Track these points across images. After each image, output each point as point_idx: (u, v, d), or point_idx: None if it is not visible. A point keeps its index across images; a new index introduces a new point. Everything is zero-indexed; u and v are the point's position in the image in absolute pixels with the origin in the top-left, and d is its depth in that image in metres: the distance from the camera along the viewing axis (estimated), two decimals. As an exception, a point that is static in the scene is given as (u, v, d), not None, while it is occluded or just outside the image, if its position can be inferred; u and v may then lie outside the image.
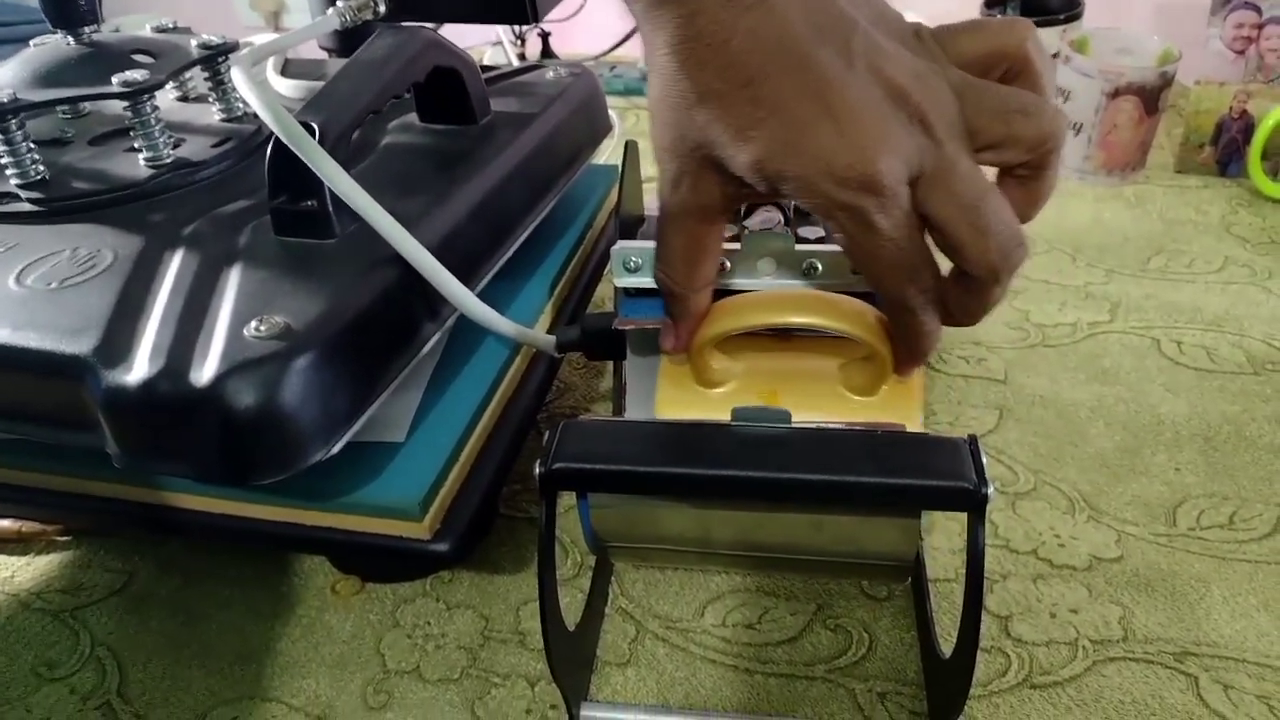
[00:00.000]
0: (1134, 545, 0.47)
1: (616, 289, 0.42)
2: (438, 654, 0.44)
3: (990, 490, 0.33)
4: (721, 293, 0.40)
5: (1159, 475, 0.51)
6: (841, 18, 0.31)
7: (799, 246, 0.40)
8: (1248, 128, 0.73)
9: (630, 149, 0.50)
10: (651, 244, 0.41)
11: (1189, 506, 0.49)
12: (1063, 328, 0.62)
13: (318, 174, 0.38)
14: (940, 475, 0.33)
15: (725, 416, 0.37)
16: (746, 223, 0.47)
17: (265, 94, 0.39)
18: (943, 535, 0.48)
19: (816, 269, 0.41)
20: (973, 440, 0.34)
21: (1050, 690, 0.41)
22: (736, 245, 0.41)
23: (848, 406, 0.39)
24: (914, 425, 0.38)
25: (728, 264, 0.41)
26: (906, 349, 0.36)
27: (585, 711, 0.41)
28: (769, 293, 0.39)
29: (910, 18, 0.81)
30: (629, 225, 0.50)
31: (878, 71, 0.31)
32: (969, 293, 0.34)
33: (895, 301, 0.34)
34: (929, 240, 0.33)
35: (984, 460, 0.34)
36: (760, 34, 0.30)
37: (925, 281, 0.33)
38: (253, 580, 0.48)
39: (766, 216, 0.48)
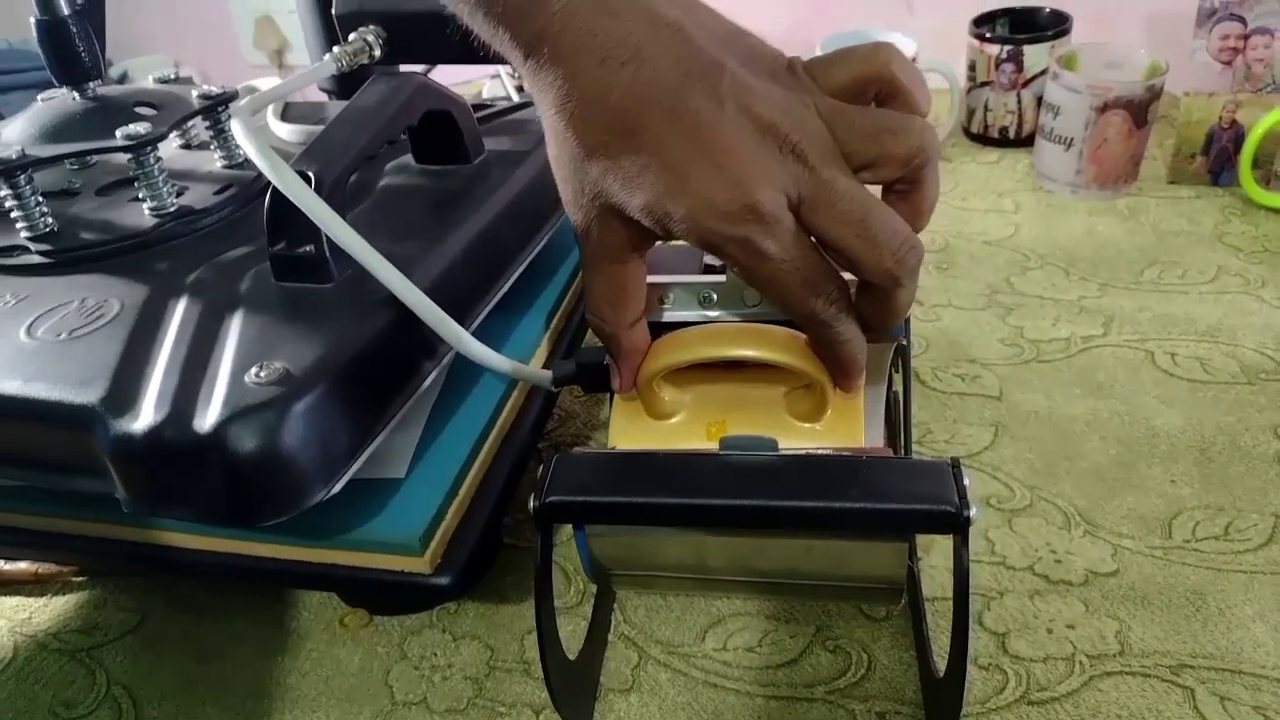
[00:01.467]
0: (1130, 559, 0.47)
1: None
2: (444, 685, 0.45)
3: (973, 512, 0.34)
4: (668, 327, 0.41)
5: (1154, 488, 0.51)
6: (711, 63, 0.33)
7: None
8: (1238, 137, 0.74)
9: None
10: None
11: (1184, 518, 0.49)
12: (1057, 343, 0.62)
13: (313, 220, 0.40)
14: (923, 499, 0.34)
15: (675, 446, 0.39)
16: (718, 264, 0.48)
17: (261, 144, 0.40)
18: (941, 554, 0.48)
19: (756, 298, 0.42)
20: (955, 463, 0.35)
21: (1048, 706, 0.41)
22: (721, 277, 0.42)
23: (794, 432, 0.40)
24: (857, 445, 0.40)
25: (669, 298, 0.42)
26: (833, 362, 0.38)
27: (589, 739, 0.41)
28: (708, 328, 0.40)
29: (899, 37, 0.82)
30: None
31: (747, 109, 0.33)
32: (876, 300, 0.36)
33: (806, 318, 0.36)
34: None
35: (966, 482, 0.34)
36: (635, 88, 0.33)
37: (830, 293, 0.35)
38: (263, 617, 0.49)
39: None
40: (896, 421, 0.50)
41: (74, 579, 0.52)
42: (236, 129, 0.42)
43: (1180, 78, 0.75)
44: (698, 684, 0.44)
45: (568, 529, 0.50)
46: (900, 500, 0.34)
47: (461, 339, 0.43)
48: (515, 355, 0.49)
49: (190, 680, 0.46)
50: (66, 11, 0.50)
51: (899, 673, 0.43)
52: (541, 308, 0.54)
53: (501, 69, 0.93)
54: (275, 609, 0.49)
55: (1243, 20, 0.71)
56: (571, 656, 0.41)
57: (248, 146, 0.41)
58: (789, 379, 0.40)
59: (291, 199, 0.39)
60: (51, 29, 0.50)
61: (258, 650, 0.47)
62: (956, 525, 0.34)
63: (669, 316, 0.44)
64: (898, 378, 0.49)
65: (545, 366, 0.50)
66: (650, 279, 0.43)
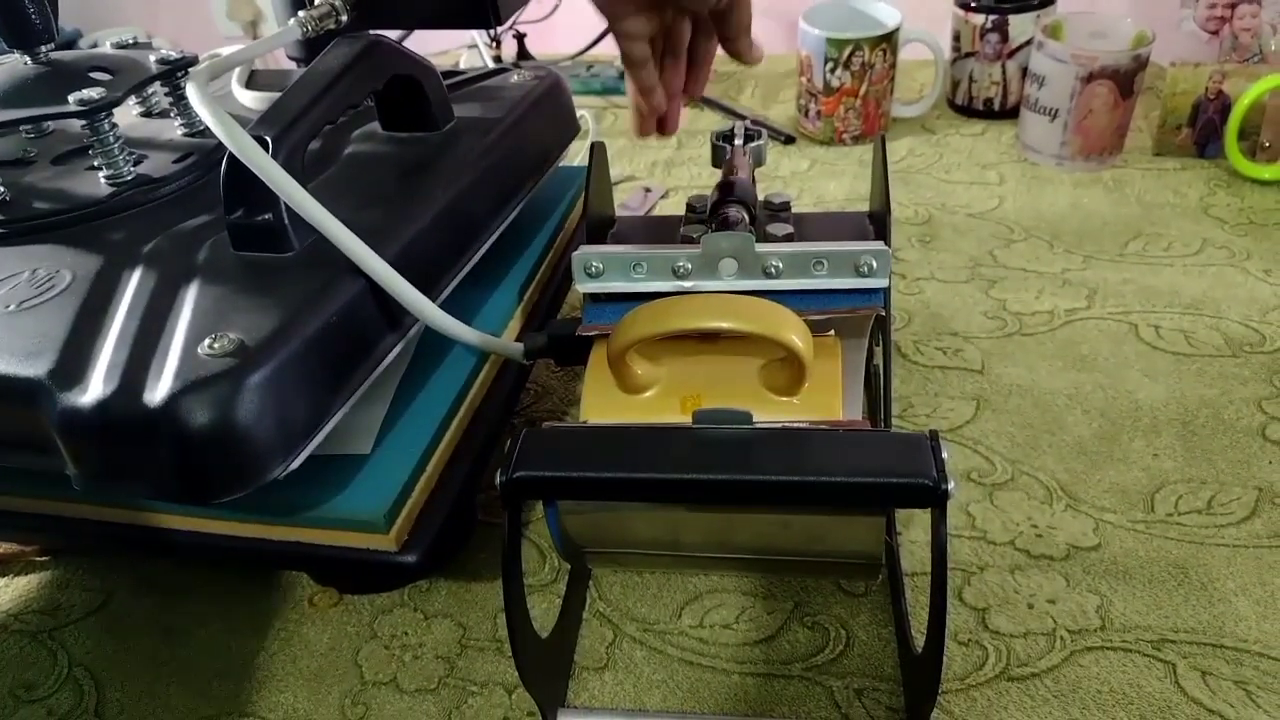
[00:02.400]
0: (1112, 533, 0.47)
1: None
2: (415, 664, 0.44)
3: (951, 486, 0.33)
4: (642, 298, 0.40)
5: (1137, 461, 0.50)
6: None
7: (759, 247, 0.40)
8: (1224, 108, 0.73)
9: (597, 150, 0.50)
10: (613, 248, 0.41)
11: (1167, 492, 0.48)
12: (1040, 315, 0.61)
13: (269, 186, 0.38)
14: (901, 472, 0.33)
15: (649, 420, 0.38)
16: (712, 222, 0.47)
17: (215, 107, 0.39)
18: (921, 529, 0.47)
19: (778, 269, 0.41)
20: (934, 436, 0.34)
21: (1028, 682, 0.41)
22: (696, 248, 0.41)
23: (771, 406, 0.39)
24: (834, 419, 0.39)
25: (642, 268, 0.41)
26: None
27: (562, 718, 0.41)
28: (682, 299, 0.39)
29: (883, 7, 0.81)
30: (597, 226, 0.50)
31: None
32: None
33: None
34: None
35: (945, 456, 0.33)
36: None
37: None
38: (230, 596, 0.47)
39: (732, 216, 0.48)
40: (877, 395, 0.49)
41: (36, 559, 0.50)
42: (192, 92, 0.41)
43: (1167, 48, 0.74)
44: (674, 661, 0.43)
45: (541, 506, 0.49)
46: (877, 474, 0.33)
47: (427, 310, 0.42)
48: (487, 328, 0.48)
49: (155, 661, 0.45)
50: (16, -28, 0.48)
51: (877, 649, 0.42)
52: (514, 280, 0.53)
53: (478, 36, 0.91)
54: (243, 588, 0.48)
55: (1230, -12, 0.70)
56: (545, 634, 0.40)
57: (201, 109, 0.39)
58: (765, 351, 0.39)
59: (247, 164, 0.38)
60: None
61: (225, 630, 0.46)
62: (934, 499, 0.33)
63: (642, 287, 0.42)
64: (878, 350, 0.48)
65: (518, 340, 0.49)
66: (623, 249, 0.42)
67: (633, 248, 0.42)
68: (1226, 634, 0.42)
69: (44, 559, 0.51)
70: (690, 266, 0.41)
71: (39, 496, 0.44)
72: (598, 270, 0.42)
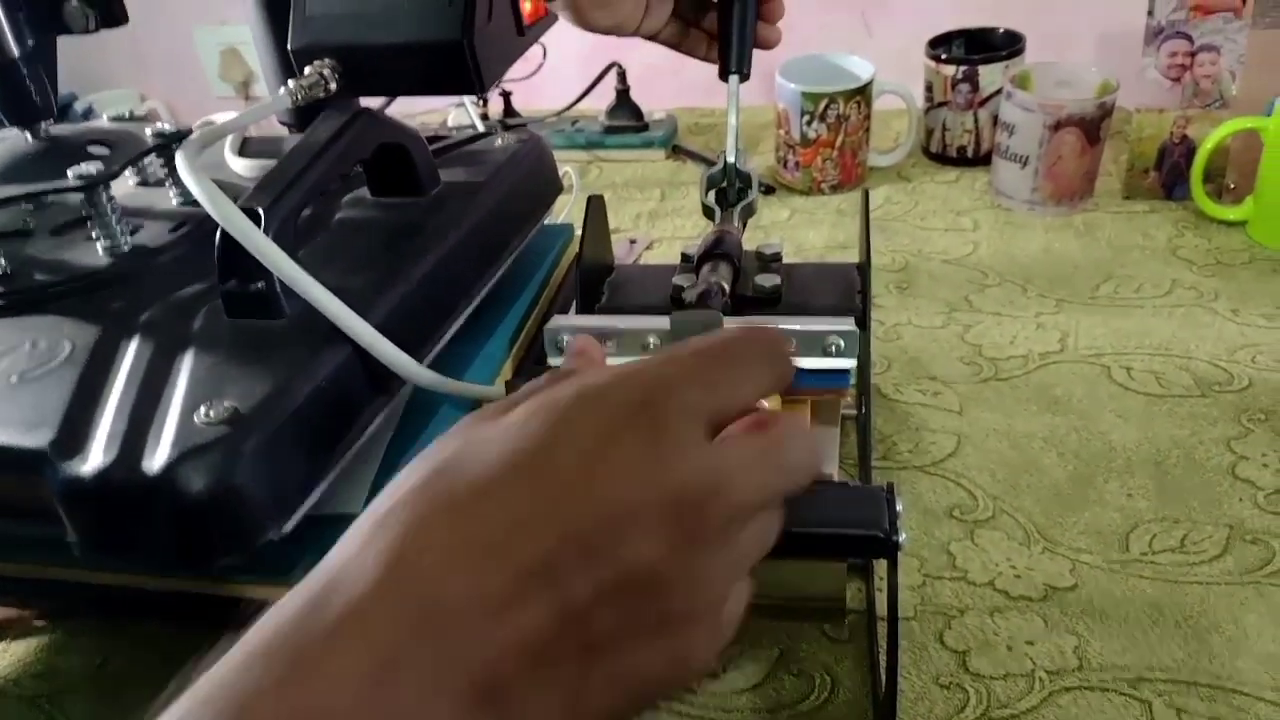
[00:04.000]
0: (1088, 574, 0.48)
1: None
2: (408, 720, 0.44)
3: (902, 538, 0.34)
4: None
5: (1111, 502, 0.52)
6: None
7: (728, 325, 0.42)
8: (1189, 152, 0.75)
9: (594, 202, 0.51)
10: (584, 320, 0.42)
11: (1141, 532, 0.50)
12: (1014, 360, 0.63)
13: (254, 255, 0.40)
14: (855, 524, 0.35)
15: None
16: (686, 285, 0.48)
17: (203, 180, 0.41)
18: (901, 572, 0.48)
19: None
20: (890, 488, 0.36)
21: (1008, 724, 0.41)
22: (665, 324, 0.42)
23: None
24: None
25: (611, 345, 0.42)
26: None
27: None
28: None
29: (856, 60, 0.83)
30: (592, 275, 0.52)
31: None
32: None
33: None
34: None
35: (899, 508, 0.35)
36: None
37: None
38: (224, 655, 0.48)
39: (715, 266, 0.49)
40: (861, 438, 0.50)
41: (34, 623, 0.51)
42: (181, 165, 0.42)
43: (1131, 94, 0.76)
44: (660, 711, 0.44)
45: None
46: (831, 524, 0.35)
47: (413, 370, 0.43)
48: (479, 379, 0.49)
49: (151, 723, 0.46)
50: (17, 53, 0.50)
51: (862, 695, 0.43)
52: (504, 332, 0.54)
53: (465, 98, 0.94)
54: (237, 648, 0.48)
55: (1189, 38, 0.73)
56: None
57: (190, 182, 0.41)
58: None
59: (233, 234, 0.40)
60: (2, 71, 0.50)
61: (219, 690, 0.46)
62: (885, 550, 0.35)
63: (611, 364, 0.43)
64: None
65: (506, 386, 0.50)
66: (595, 322, 0.43)
67: (605, 319, 0.44)
68: (1201, 671, 0.43)
69: (41, 623, 0.51)
70: (660, 343, 0.43)
71: (38, 562, 0.44)
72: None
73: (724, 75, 0.51)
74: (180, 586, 0.43)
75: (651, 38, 0.54)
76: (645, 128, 0.96)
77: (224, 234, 0.41)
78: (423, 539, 0.25)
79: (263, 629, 0.24)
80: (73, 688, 0.47)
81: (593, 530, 0.25)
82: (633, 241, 0.81)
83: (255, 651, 0.24)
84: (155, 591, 0.43)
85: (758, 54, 0.53)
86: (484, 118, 0.97)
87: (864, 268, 0.51)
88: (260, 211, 0.41)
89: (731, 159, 0.53)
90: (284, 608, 0.25)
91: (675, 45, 0.55)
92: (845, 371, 0.43)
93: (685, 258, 0.51)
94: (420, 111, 1.04)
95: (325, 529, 0.41)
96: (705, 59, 0.55)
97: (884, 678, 0.40)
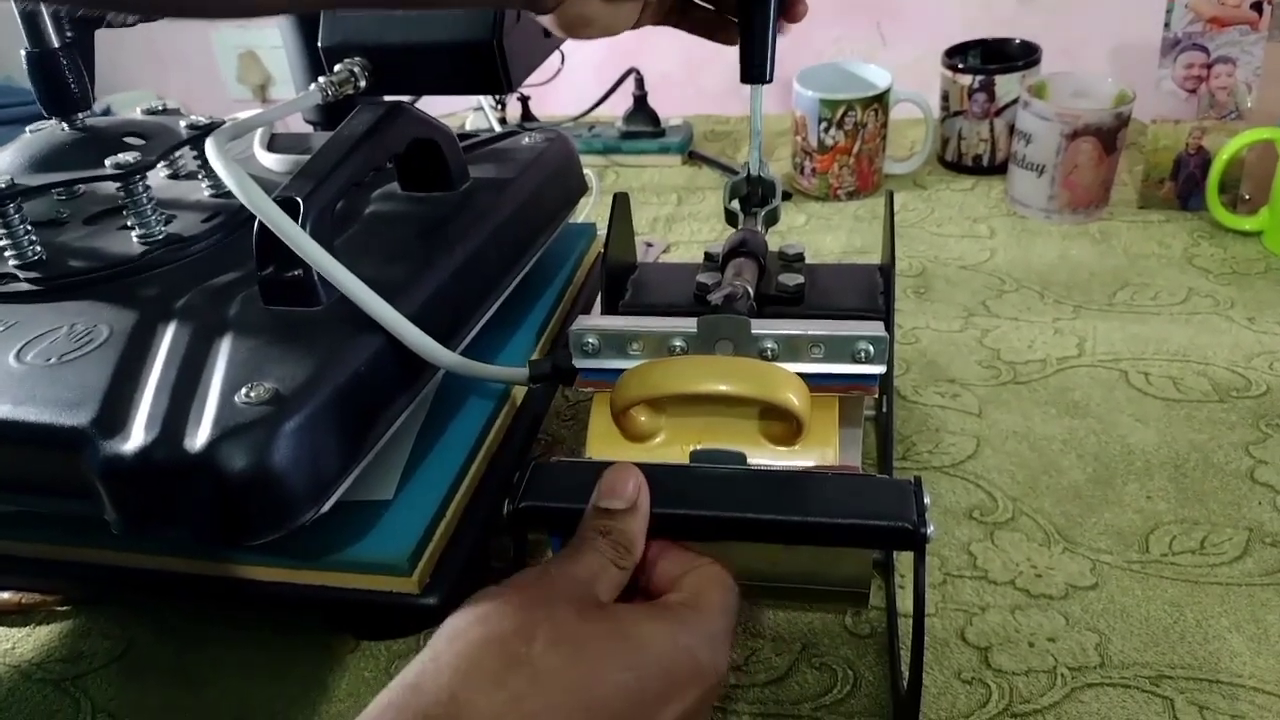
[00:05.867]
0: (1109, 573, 0.48)
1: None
2: (432, 707, 0.45)
3: (930, 530, 0.35)
4: None
5: (1131, 504, 0.52)
6: None
7: (755, 329, 0.42)
8: (1205, 162, 0.76)
9: (620, 200, 0.52)
10: (610, 322, 0.42)
11: (1161, 533, 0.50)
12: (1033, 364, 0.63)
13: (286, 243, 0.40)
14: (883, 516, 0.35)
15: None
16: (712, 287, 0.49)
17: (235, 168, 0.41)
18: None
19: (774, 352, 0.42)
20: (917, 482, 0.36)
21: (1030, 718, 0.42)
22: (691, 325, 0.42)
23: (770, 452, 0.41)
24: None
25: (637, 345, 0.42)
26: None
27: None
28: (684, 360, 0.41)
29: (873, 69, 0.84)
30: (617, 272, 0.52)
31: None
32: None
33: None
34: None
35: (927, 501, 0.36)
36: None
37: None
38: (249, 643, 0.48)
39: (740, 264, 0.49)
40: (883, 437, 0.51)
41: (58, 608, 0.51)
42: (211, 155, 0.43)
43: (1147, 105, 0.77)
44: (685, 702, 0.44)
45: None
46: (860, 516, 0.36)
47: (443, 357, 0.44)
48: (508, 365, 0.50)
49: (176, 707, 0.46)
50: (56, 44, 0.51)
51: (884, 689, 0.44)
52: (532, 323, 0.55)
53: (484, 99, 0.95)
54: (262, 635, 0.49)
55: (1205, 50, 0.73)
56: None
57: (224, 175, 0.42)
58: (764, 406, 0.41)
59: (264, 220, 0.40)
60: (41, 60, 0.51)
61: (244, 677, 0.47)
62: (913, 542, 0.35)
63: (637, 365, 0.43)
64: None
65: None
66: (620, 324, 0.43)
67: (631, 322, 0.43)
68: (1222, 670, 0.43)
69: (65, 608, 0.52)
70: (686, 346, 0.42)
71: (63, 544, 0.45)
72: (593, 348, 0.43)
73: (746, 80, 0.50)
74: (205, 570, 0.43)
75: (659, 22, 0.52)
76: (662, 133, 0.97)
77: (262, 223, 0.41)
78: None
79: None
80: (96, 671, 0.48)
81: None
82: (649, 245, 0.82)
83: None
84: (181, 575, 0.43)
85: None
86: (502, 121, 0.97)
87: (888, 269, 0.51)
88: (299, 200, 0.41)
89: (755, 168, 0.53)
90: None
91: (684, 28, 0.52)
92: (874, 375, 0.43)
93: (709, 256, 0.52)
94: (440, 114, 1.05)
95: (357, 514, 0.42)
96: (715, 39, 0.52)
97: (907, 671, 0.40)
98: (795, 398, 0.39)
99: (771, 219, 0.54)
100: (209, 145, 0.44)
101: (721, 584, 0.37)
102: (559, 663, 0.30)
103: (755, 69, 0.48)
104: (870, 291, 0.51)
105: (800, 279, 0.50)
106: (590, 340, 0.43)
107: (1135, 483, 0.53)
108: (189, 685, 0.47)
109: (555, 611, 0.32)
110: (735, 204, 0.54)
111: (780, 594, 0.46)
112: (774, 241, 0.54)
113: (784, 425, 0.40)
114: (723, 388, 0.39)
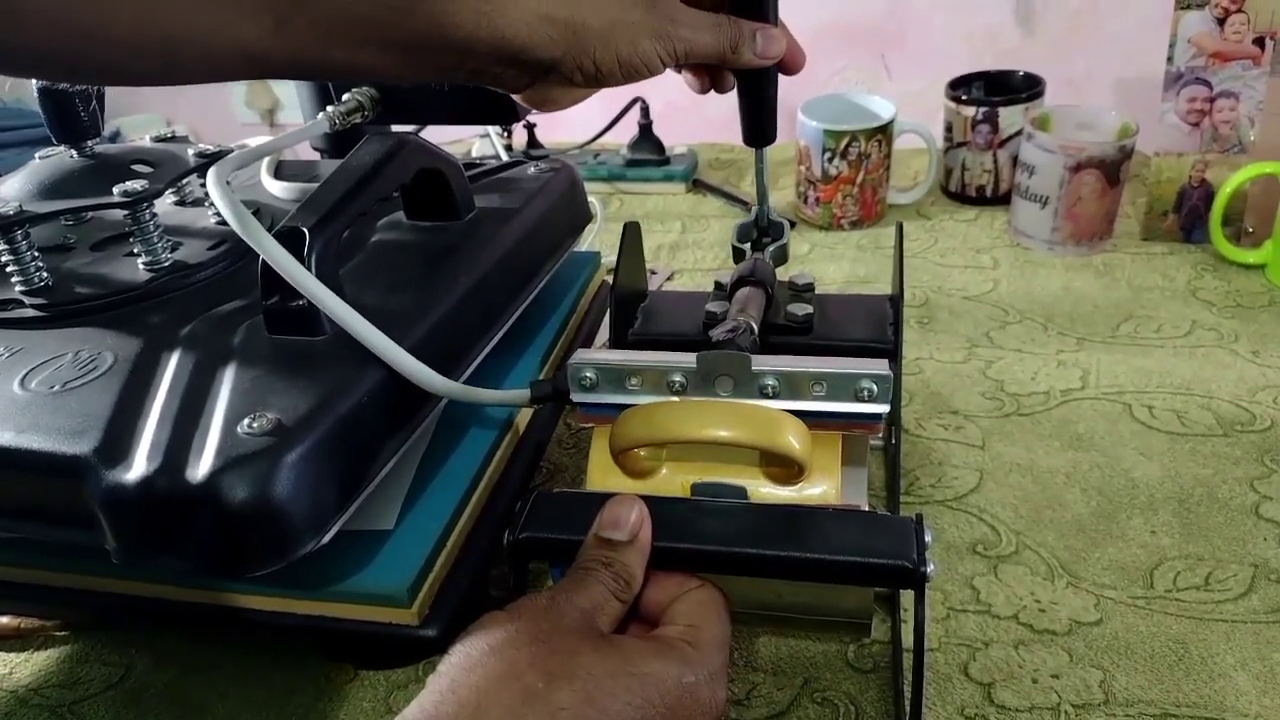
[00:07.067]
0: (1113, 609, 0.48)
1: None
2: (431, 739, 0.44)
3: (930, 569, 0.35)
4: None
5: (1135, 539, 0.52)
6: None
7: (756, 365, 0.41)
8: (1208, 195, 0.76)
9: (630, 230, 0.52)
10: (609, 356, 0.42)
11: (1165, 569, 0.50)
12: (1036, 396, 0.63)
13: (279, 273, 0.40)
14: (884, 554, 0.35)
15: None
16: (721, 316, 0.49)
17: (233, 201, 0.42)
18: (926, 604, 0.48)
19: (775, 390, 0.41)
20: (919, 519, 0.36)
21: (1034, 757, 0.41)
22: (691, 361, 0.42)
23: (771, 490, 0.41)
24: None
25: (636, 381, 0.42)
26: None
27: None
28: (684, 405, 0.41)
29: (878, 100, 0.84)
30: (627, 300, 0.52)
31: None
32: None
33: None
34: None
35: (928, 539, 0.35)
36: None
37: None
38: (248, 671, 0.48)
39: (748, 294, 0.49)
40: (890, 470, 0.51)
41: (56, 633, 0.51)
42: (212, 187, 0.43)
43: (1150, 138, 0.77)
44: (686, 737, 0.43)
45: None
46: (860, 554, 0.36)
47: (444, 386, 0.44)
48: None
49: (173, 736, 0.46)
50: (67, 73, 0.51)
51: (886, 724, 0.43)
52: (536, 350, 0.55)
53: (490, 129, 0.95)
54: (261, 663, 0.48)
55: (1208, 84, 0.74)
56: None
57: (220, 203, 0.42)
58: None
59: (260, 254, 0.40)
60: (52, 89, 0.51)
61: (243, 705, 0.47)
62: (913, 581, 0.35)
63: (636, 401, 0.42)
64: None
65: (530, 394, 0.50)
66: (619, 358, 0.42)
67: (629, 356, 0.42)
68: (1228, 708, 0.43)
69: (64, 633, 0.51)
70: (685, 383, 0.41)
71: (62, 570, 0.45)
72: (591, 383, 0.42)
73: (750, 143, 0.50)
74: (204, 599, 0.43)
75: None
76: (666, 161, 0.97)
77: (267, 251, 0.41)
78: None
79: None
80: (94, 697, 0.48)
81: None
82: (653, 272, 0.82)
83: None
84: (180, 603, 0.43)
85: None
86: (508, 148, 0.98)
87: (897, 300, 0.51)
88: (305, 230, 0.41)
89: (763, 222, 0.53)
90: None
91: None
92: (878, 415, 0.41)
93: (719, 285, 0.52)
94: (446, 141, 1.05)
95: (357, 545, 0.42)
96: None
97: (908, 708, 0.40)
98: (795, 442, 0.39)
99: (780, 257, 0.54)
100: (210, 177, 0.44)
101: (716, 613, 0.37)
102: (573, 700, 0.31)
103: (759, 133, 0.48)
104: (879, 323, 0.51)
105: (809, 309, 0.50)
106: (588, 375, 0.42)
107: (1139, 517, 0.53)
108: (187, 713, 0.47)
109: (566, 644, 0.33)
110: (746, 247, 0.54)
111: (781, 622, 0.46)
112: (782, 271, 0.54)
113: (786, 468, 0.40)
114: (722, 434, 0.39)
